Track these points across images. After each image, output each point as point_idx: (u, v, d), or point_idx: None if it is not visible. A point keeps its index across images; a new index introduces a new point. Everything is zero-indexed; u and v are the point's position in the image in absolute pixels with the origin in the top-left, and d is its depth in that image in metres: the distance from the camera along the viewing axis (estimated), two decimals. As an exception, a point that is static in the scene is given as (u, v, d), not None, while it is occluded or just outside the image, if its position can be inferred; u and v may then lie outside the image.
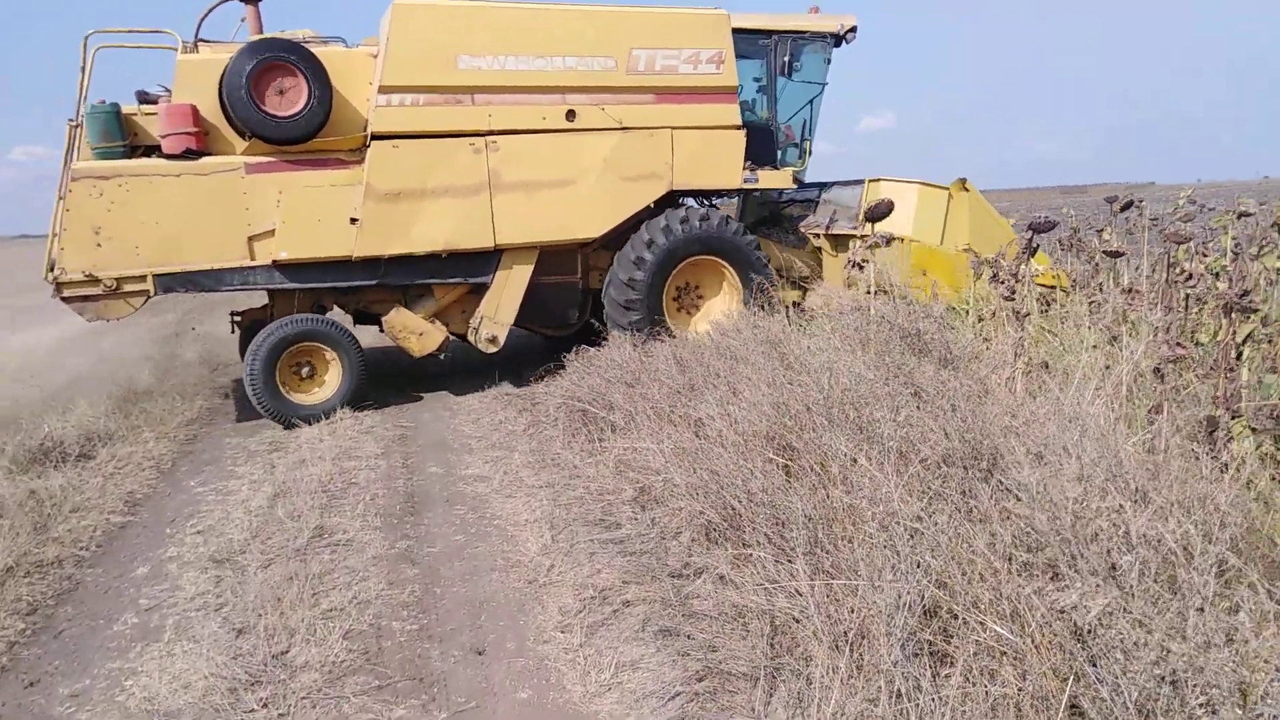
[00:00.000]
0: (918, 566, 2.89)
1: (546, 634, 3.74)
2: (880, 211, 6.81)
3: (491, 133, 7.14)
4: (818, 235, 8.77)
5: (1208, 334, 5.63)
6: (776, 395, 4.68)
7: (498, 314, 7.76)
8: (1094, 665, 2.32)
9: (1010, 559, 2.79)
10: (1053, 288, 6.91)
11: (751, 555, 3.64)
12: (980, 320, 6.15)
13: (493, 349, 7.89)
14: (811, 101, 8.76)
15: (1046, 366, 5.29)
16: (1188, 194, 14.47)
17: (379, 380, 8.97)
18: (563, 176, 7.39)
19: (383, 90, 6.82)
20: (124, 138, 6.75)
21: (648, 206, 7.83)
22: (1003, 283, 5.84)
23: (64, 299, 6.54)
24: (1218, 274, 6.58)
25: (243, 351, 8.60)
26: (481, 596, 4.15)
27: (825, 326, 5.88)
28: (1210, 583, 2.17)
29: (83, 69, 6.80)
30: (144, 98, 7.19)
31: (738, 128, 7.91)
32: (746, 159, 8.06)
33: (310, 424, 7.23)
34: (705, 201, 8.55)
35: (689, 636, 3.46)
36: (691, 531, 4.22)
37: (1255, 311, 4.84)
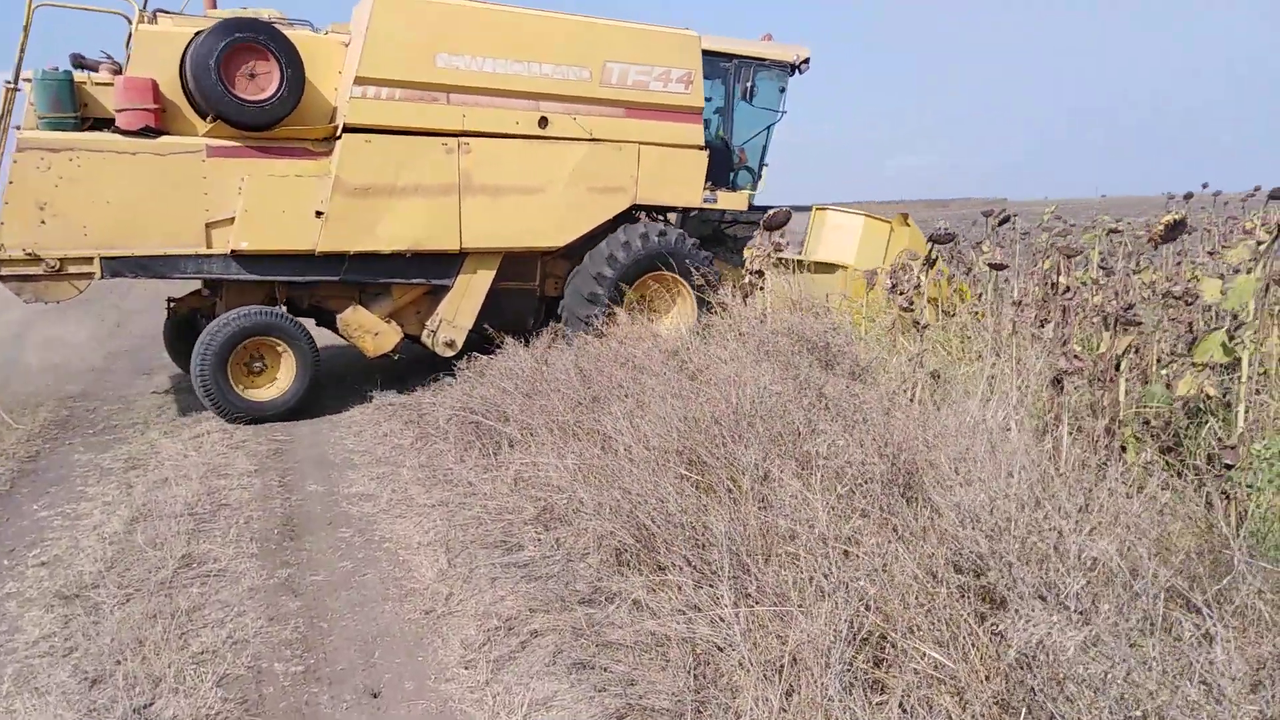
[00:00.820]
0: (849, 590, 2.77)
1: (449, 671, 3.45)
2: (778, 220, 6.81)
3: (465, 134, 7.08)
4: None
5: (1083, 346, 5.84)
6: (685, 408, 4.53)
7: (457, 318, 7.62)
8: (1035, 694, 2.25)
9: (943, 581, 2.71)
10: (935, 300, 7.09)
11: (669, 579, 3.47)
12: (876, 331, 6.19)
13: (450, 353, 7.73)
14: (768, 128, 9.01)
15: (936, 377, 5.36)
16: (1052, 210, 15.25)
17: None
18: (532, 183, 7.39)
19: (358, 81, 6.64)
20: (76, 108, 6.30)
21: (611, 219, 7.87)
22: (902, 294, 5.91)
23: (1, 278, 6.15)
24: (1085, 284, 6.88)
25: (168, 342, 8.40)
26: (374, 630, 3.81)
27: (727, 336, 5.78)
28: (1160, 607, 2.13)
29: (25, 28, 6.31)
30: (79, 62, 6.69)
31: (701, 148, 8.08)
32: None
33: (259, 422, 7.11)
34: (658, 216, 8.53)
35: (605, 669, 3.26)
36: (601, 554, 4.02)
37: (1137, 325, 5.03)
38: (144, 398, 8.14)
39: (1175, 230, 5.58)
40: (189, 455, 6.23)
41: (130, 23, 6.67)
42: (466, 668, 3.45)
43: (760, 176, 9.17)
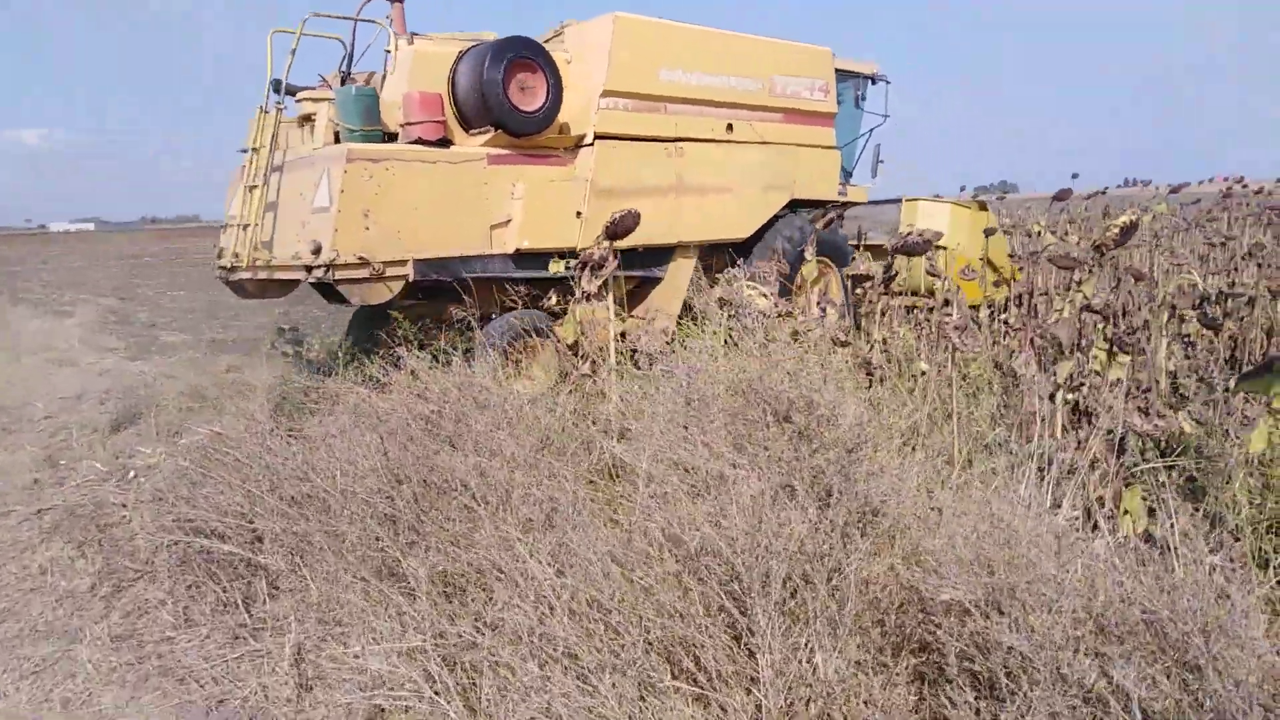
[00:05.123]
0: None
1: None
2: (624, 227, 5.42)
3: (678, 139, 7.87)
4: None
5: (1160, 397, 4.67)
6: (623, 547, 2.67)
7: (669, 306, 8.10)
8: None
9: None
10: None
11: None
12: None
13: (665, 340, 7.39)
14: (869, 131, 10.19)
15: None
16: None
17: None
18: (724, 182, 8.23)
19: (605, 94, 7.34)
20: (380, 122, 6.83)
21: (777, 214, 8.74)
22: (829, 310, 4.41)
23: (336, 281, 6.33)
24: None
25: (356, 337, 8.80)
26: None
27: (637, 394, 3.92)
28: None
29: (293, 51, 7.01)
30: (286, 88, 7.38)
31: (833, 148, 9.16)
32: None
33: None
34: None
35: None
36: None
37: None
38: None
39: (1128, 234, 4.70)
40: None
41: (344, 46, 7.40)
42: None
43: (875, 174, 10.26)
